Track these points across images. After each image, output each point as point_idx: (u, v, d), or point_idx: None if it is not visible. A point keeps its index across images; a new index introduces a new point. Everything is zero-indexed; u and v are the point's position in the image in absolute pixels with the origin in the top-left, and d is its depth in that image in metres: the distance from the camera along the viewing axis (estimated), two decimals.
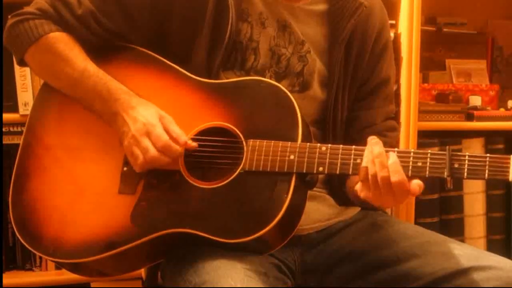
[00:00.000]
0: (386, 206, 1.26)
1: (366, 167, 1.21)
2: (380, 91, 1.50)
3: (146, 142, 1.28)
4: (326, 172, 1.26)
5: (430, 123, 2.10)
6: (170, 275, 1.33)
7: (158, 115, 1.31)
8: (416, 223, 2.03)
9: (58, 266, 1.45)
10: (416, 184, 1.20)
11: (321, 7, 1.45)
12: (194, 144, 1.30)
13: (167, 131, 1.29)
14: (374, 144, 1.22)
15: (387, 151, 1.21)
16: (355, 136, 1.45)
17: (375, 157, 1.20)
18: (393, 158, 1.20)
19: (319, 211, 1.43)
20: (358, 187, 1.24)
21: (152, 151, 1.28)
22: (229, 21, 1.36)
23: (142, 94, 1.36)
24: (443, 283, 1.27)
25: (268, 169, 1.26)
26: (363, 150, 1.24)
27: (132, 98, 1.34)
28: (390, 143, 1.46)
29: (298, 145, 1.27)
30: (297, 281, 1.40)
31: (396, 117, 1.57)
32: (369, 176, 1.20)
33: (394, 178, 1.19)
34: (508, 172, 1.16)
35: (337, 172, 1.25)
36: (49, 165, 1.39)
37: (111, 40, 1.42)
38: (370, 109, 1.49)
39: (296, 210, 1.28)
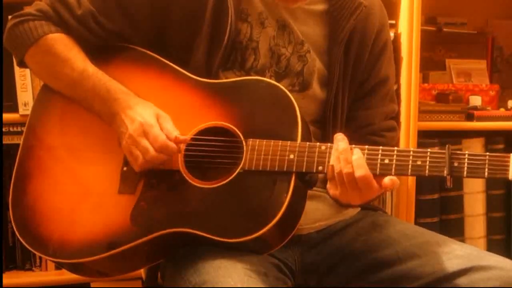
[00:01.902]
0: (353, 203, 1.26)
1: (332, 165, 1.22)
2: (379, 90, 1.50)
3: (145, 143, 1.28)
4: (325, 171, 1.26)
5: (430, 123, 2.10)
6: (170, 275, 1.33)
7: (156, 114, 1.31)
8: (416, 223, 2.03)
9: (58, 266, 1.45)
10: (388, 179, 1.20)
11: (321, 7, 1.45)
12: (185, 137, 1.30)
13: (161, 129, 1.30)
14: (339, 141, 1.23)
15: (352, 147, 1.22)
16: (353, 135, 1.44)
17: (340, 154, 1.21)
18: (357, 153, 1.21)
19: (319, 211, 1.43)
20: (328, 185, 1.25)
21: (152, 151, 1.28)
22: (229, 21, 1.36)
23: (141, 94, 1.36)
24: (443, 283, 1.27)
25: (268, 169, 1.26)
26: (362, 149, 1.23)
27: (131, 98, 1.34)
28: (387, 143, 1.46)
29: (297, 144, 1.27)
30: (297, 281, 1.40)
31: (396, 117, 1.57)
32: (335, 173, 1.21)
33: (358, 173, 1.19)
34: (508, 170, 1.16)
35: None
36: (49, 165, 1.39)
37: (110, 40, 1.43)
38: (369, 109, 1.49)
39: (296, 210, 1.28)
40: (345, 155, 1.21)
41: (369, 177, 1.20)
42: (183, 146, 1.31)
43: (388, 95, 1.53)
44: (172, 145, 1.28)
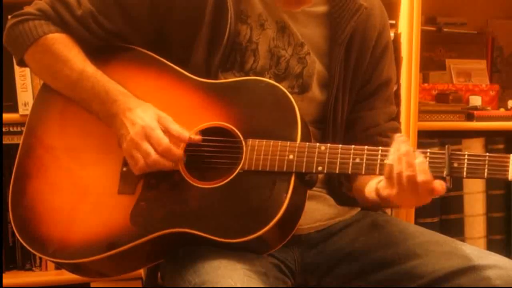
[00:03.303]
0: (407, 206, 1.26)
1: (392, 165, 1.20)
2: (382, 92, 1.50)
3: (147, 146, 1.28)
4: (325, 171, 1.26)
5: (430, 123, 2.10)
6: (170, 275, 1.33)
7: (157, 117, 1.31)
8: (416, 223, 2.03)
9: (58, 266, 1.45)
10: (439, 184, 1.19)
11: (321, 8, 1.44)
12: (198, 137, 1.30)
13: (167, 131, 1.29)
14: (401, 142, 1.21)
15: (415, 151, 1.20)
16: (359, 136, 1.45)
17: (403, 155, 1.19)
18: (420, 157, 1.19)
19: (319, 211, 1.43)
20: (381, 184, 1.23)
21: (154, 155, 1.28)
22: (228, 22, 1.36)
23: (141, 94, 1.36)
24: (444, 283, 1.27)
25: (267, 169, 1.26)
26: (362, 150, 1.23)
27: (130, 100, 1.34)
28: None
29: (297, 144, 1.27)
30: (297, 281, 1.40)
31: (396, 117, 1.57)
32: (394, 174, 1.20)
33: (420, 178, 1.18)
34: (507, 171, 1.16)
35: (337, 171, 1.25)
36: (49, 165, 1.39)
37: (110, 40, 1.42)
38: (372, 110, 1.49)
39: (295, 210, 1.28)
40: (408, 157, 1.19)
41: (431, 182, 1.19)
42: (183, 146, 1.31)
43: (390, 97, 1.53)
44: (176, 150, 1.28)
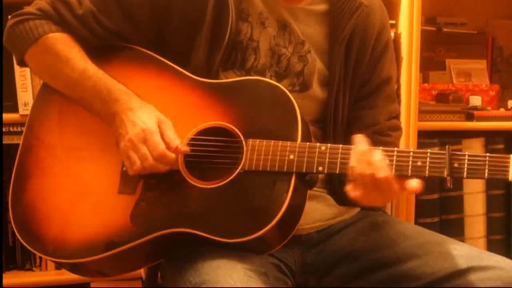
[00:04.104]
0: (375, 204, 1.26)
1: (353, 166, 1.22)
2: (382, 90, 1.50)
3: (144, 150, 1.28)
4: (325, 171, 1.26)
5: (430, 123, 2.10)
6: (170, 275, 1.33)
7: (157, 120, 1.31)
8: (416, 223, 2.03)
9: (58, 266, 1.45)
10: (415, 182, 1.20)
11: (321, 7, 1.45)
12: (185, 148, 1.30)
13: (162, 136, 1.29)
14: (359, 142, 1.22)
15: (372, 149, 1.22)
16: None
17: (361, 155, 1.21)
18: (378, 155, 1.21)
19: (319, 211, 1.43)
20: (348, 187, 1.24)
21: (150, 160, 1.28)
22: (229, 20, 1.36)
23: (141, 94, 1.36)
24: (443, 283, 1.27)
25: (268, 169, 1.26)
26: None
27: (132, 100, 1.34)
28: (393, 142, 1.46)
29: (297, 144, 1.27)
30: (297, 281, 1.40)
31: (397, 116, 1.57)
32: (356, 175, 1.21)
33: (379, 175, 1.19)
34: (508, 171, 1.16)
35: (337, 171, 1.25)
36: (49, 165, 1.39)
37: (111, 40, 1.42)
38: (372, 109, 1.49)
39: (296, 210, 1.28)
40: (366, 156, 1.20)
41: (391, 178, 1.20)
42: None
43: (391, 95, 1.53)
44: (170, 155, 1.28)
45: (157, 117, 1.31)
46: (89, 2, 1.39)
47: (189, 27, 1.38)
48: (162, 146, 1.28)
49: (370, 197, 1.22)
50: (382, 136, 1.46)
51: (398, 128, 1.53)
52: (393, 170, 1.21)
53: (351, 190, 1.24)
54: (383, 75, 1.50)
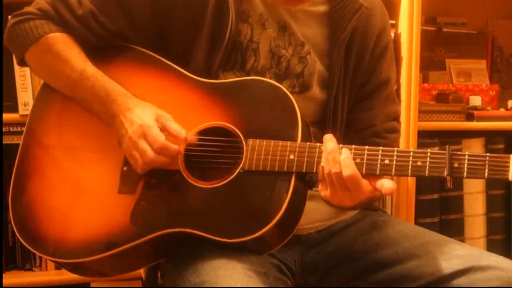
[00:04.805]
0: (344, 205, 1.25)
1: (323, 166, 1.22)
2: (380, 92, 1.50)
3: (143, 144, 1.28)
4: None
5: (430, 123, 2.10)
6: (170, 275, 1.33)
7: (155, 115, 1.31)
8: (416, 223, 2.03)
9: (58, 266, 1.45)
10: (388, 181, 1.20)
11: (322, 8, 1.45)
12: (195, 137, 1.30)
13: (165, 129, 1.29)
14: (327, 141, 1.23)
15: (341, 147, 1.22)
16: (354, 137, 1.44)
17: (328, 154, 1.21)
18: (345, 153, 1.21)
19: (319, 211, 1.43)
20: (319, 187, 1.25)
21: (150, 153, 1.28)
22: (229, 22, 1.36)
23: (141, 94, 1.36)
24: (443, 283, 1.27)
25: (268, 169, 1.26)
26: (362, 150, 1.23)
27: (130, 100, 1.34)
28: (389, 144, 1.45)
29: (297, 144, 1.27)
30: (297, 281, 1.40)
31: (397, 117, 1.57)
32: (325, 175, 1.21)
33: (345, 173, 1.19)
34: (508, 171, 1.16)
35: None
36: (49, 165, 1.39)
37: (111, 40, 1.42)
38: (369, 111, 1.49)
39: (296, 210, 1.28)
40: (333, 155, 1.21)
41: (356, 176, 1.20)
42: (183, 146, 1.31)
43: (390, 96, 1.53)
44: (172, 146, 1.28)
45: (155, 112, 1.31)
46: (89, 2, 1.39)
47: (189, 28, 1.38)
48: (162, 137, 1.28)
49: (338, 196, 1.22)
50: (378, 138, 1.46)
51: (395, 130, 1.52)
52: (363, 169, 1.21)
53: (321, 190, 1.24)
54: (382, 77, 1.50)
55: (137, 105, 1.33)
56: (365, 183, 1.21)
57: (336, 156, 1.20)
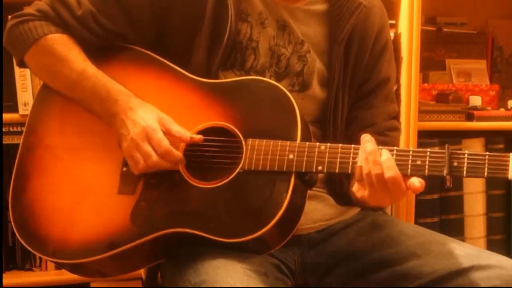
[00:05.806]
0: (383, 204, 1.25)
1: (361, 166, 1.21)
2: (380, 90, 1.50)
3: (147, 147, 1.28)
4: (325, 171, 1.26)
5: (430, 123, 2.10)
6: (170, 275, 1.33)
7: (158, 118, 1.31)
8: (416, 223, 2.03)
9: (58, 266, 1.45)
10: (417, 181, 1.19)
11: (321, 7, 1.45)
12: (199, 136, 1.30)
13: (168, 132, 1.29)
14: (366, 142, 1.22)
15: (380, 148, 1.21)
16: (355, 136, 1.44)
17: (368, 155, 1.20)
18: (386, 154, 1.20)
19: (319, 211, 1.43)
20: (355, 187, 1.24)
21: (154, 157, 1.28)
22: (229, 21, 1.36)
23: (141, 94, 1.36)
24: (443, 283, 1.27)
25: (267, 169, 1.26)
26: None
27: (131, 99, 1.34)
28: (391, 142, 1.45)
29: (297, 144, 1.27)
30: (297, 281, 1.40)
31: (396, 116, 1.57)
32: (364, 175, 1.20)
33: (388, 174, 1.18)
34: (507, 170, 1.16)
35: (337, 171, 1.25)
36: (49, 165, 1.39)
37: (110, 40, 1.42)
38: (370, 109, 1.49)
39: (295, 210, 1.28)
40: (373, 156, 1.20)
41: (399, 177, 1.19)
42: (183, 146, 1.31)
43: (390, 95, 1.53)
44: (176, 152, 1.28)
45: (157, 114, 1.31)
46: (89, 2, 1.39)
47: (189, 28, 1.38)
48: (166, 142, 1.28)
49: (377, 197, 1.21)
50: (380, 136, 1.46)
51: (396, 129, 1.53)
52: (408, 171, 1.21)
53: (358, 190, 1.23)
54: (382, 75, 1.50)
55: (139, 106, 1.33)
56: (403, 183, 1.20)
57: (377, 157, 1.19)
